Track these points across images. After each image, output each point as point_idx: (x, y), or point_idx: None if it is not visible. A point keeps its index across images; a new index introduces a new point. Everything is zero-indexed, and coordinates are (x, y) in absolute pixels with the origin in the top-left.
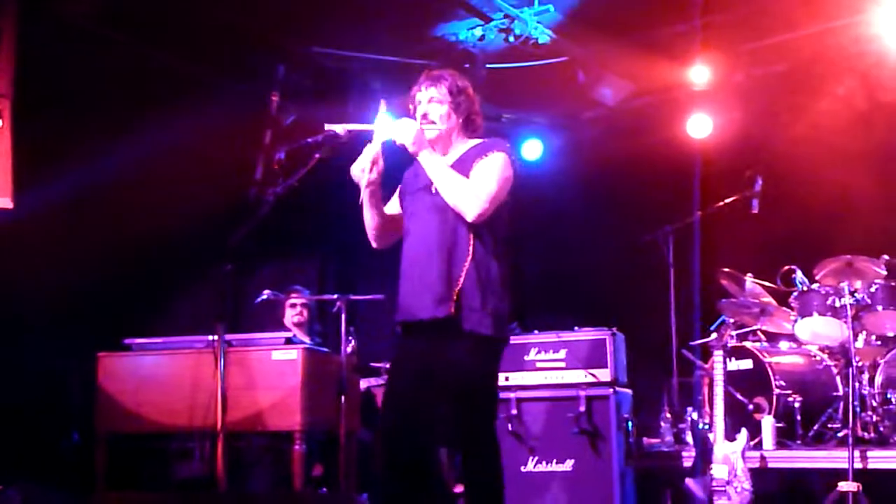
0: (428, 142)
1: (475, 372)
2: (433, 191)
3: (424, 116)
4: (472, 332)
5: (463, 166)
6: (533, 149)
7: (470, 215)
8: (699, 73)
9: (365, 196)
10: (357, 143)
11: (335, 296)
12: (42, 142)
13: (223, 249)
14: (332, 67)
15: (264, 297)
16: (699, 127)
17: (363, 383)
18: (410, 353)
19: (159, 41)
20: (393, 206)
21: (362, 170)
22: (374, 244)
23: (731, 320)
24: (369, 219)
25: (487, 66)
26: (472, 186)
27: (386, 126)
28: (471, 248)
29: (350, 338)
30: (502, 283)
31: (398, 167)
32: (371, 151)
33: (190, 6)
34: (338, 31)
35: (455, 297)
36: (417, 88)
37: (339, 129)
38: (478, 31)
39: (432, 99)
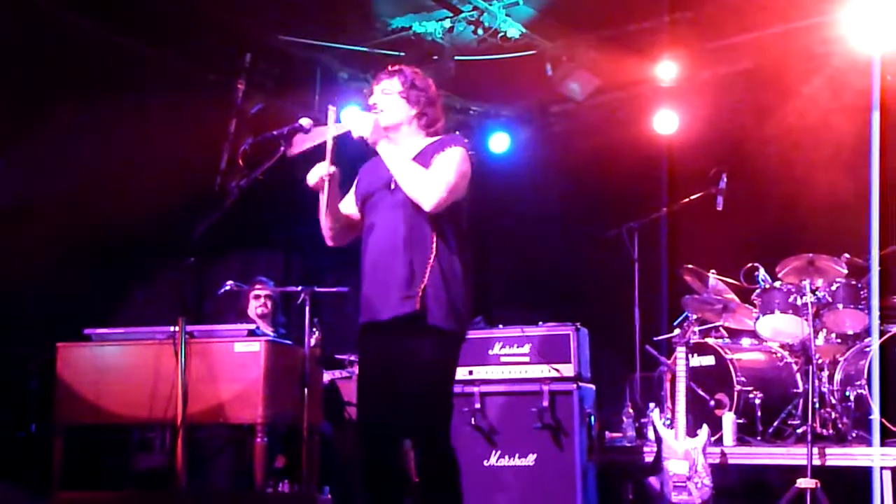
0: (384, 131)
1: (436, 366)
2: (393, 187)
3: (374, 105)
4: (435, 327)
5: (421, 160)
6: (500, 142)
7: (427, 204)
8: (666, 70)
9: (322, 202)
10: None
11: (299, 287)
12: (1, 127)
13: (186, 240)
14: (299, 56)
15: (227, 287)
16: (666, 123)
17: (327, 376)
18: (376, 351)
19: (125, 27)
20: (348, 205)
21: (320, 178)
22: (329, 243)
23: (694, 316)
24: (324, 222)
25: (456, 58)
26: (429, 176)
27: (341, 122)
28: (434, 245)
29: (314, 329)
30: (464, 279)
31: (355, 162)
32: (325, 163)
33: None
34: (305, 19)
35: (420, 294)
36: (375, 81)
37: (305, 122)
38: (447, 23)
39: (384, 90)
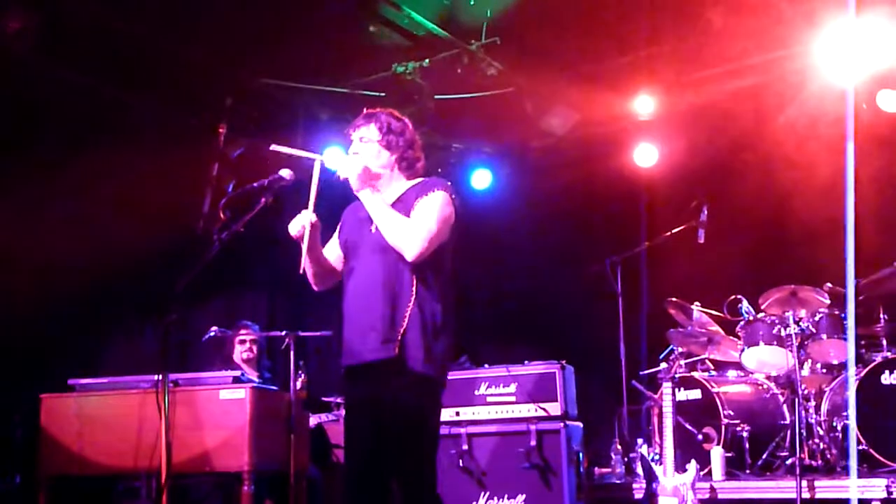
0: (371, 180)
1: (416, 411)
2: (373, 230)
3: (355, 154)
4: (415, 372)
5: (403, 206)
6: (482, 178)
7: (409, 255)
8: (644, 104)
9: (304, 249)
10: (302, 186)
11: (283, 332)
12: None
13: (168, 295)
14: (280, 98)
15: (212, 334)
16: (645, 156)
17: (313, 419)
18: (359, 398)
19: (104, 73)
20: (331, 249)
21: (301, 227)
22: (314, 287)
23: (680, 349)
24: (308, 268)
25: (436, 96)
26: (411, 226)
27: (331, 160)
28: (414, 289)
29: (300, 372)
30: (445, 323)
31: (339, 205)
32: (307, 213)
33: (136, 38)
34: (285, 62)
35: (399, 339)
36: (353, 127)
37: (286, 173)
38: (426, 63)
39: (363, 138)
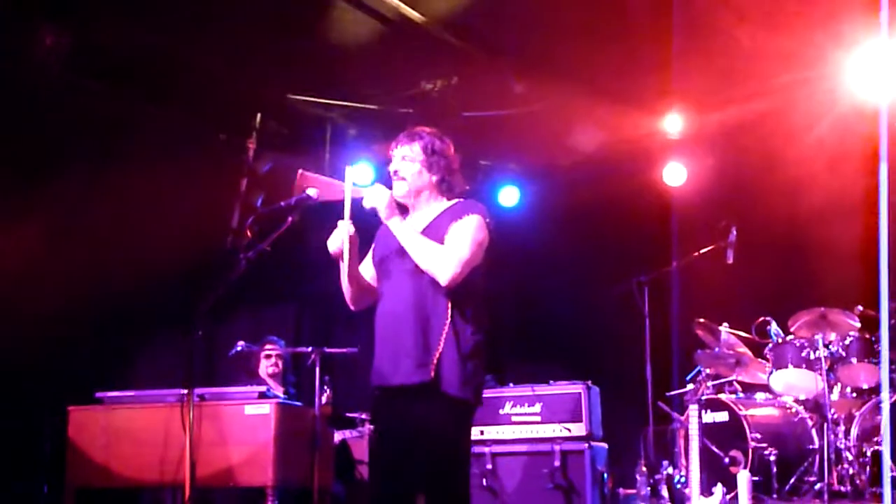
0: (398, 203)
1: (451, 436)
2: (405, 253)
3: (395, 173)
4: (449, 396)
5: (437, 228)
6: (510, 196)
7: (443, 280)
8: (673, 122)
9: (343, 268)
10: (329, 205)
11: (309, 348)
12: (13, 191)
13: (196, 305)
14: (308, 115)
15: (238, 349)
16: (674, 175)
17: (338, 436)
18: (390, 420)
19: (135, 88)
20: (367, 268)
21: (340, 242)
22: (351, 306)
23: (707, 371)
24: (346, 287)
25: (464, 113)
26: (444, 252)
27: (357, 191)
28: (449, 312)
29: (325, 387)
30: (478, 345)
31: (371, 223)
32: (345, 226)
33: (167, 53)
34: (314, 78)
35: (435, 362)
36: (394, 145)
37: (313, 192)
38: (454, 80)
39: (405, 157)
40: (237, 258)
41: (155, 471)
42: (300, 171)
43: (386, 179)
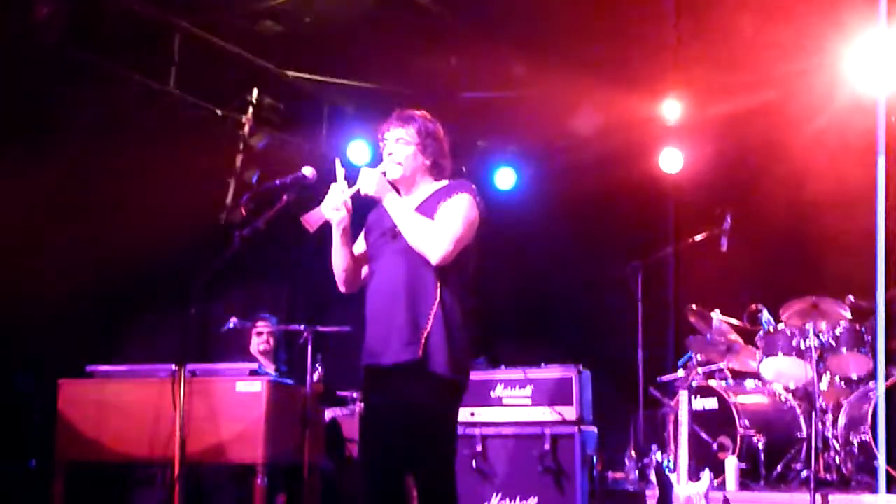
0: (391, 184)
1: (438, 414)
2: (397, 233)
3: (390, 156)
4: (437, 374)
5: (427, 208)
6: (506, 178)
7: (434, 258)
8: (671, 108)
9: (337, 235)
10: (325, 184)
11: (302, 326)
12: (11, 166)
13: (190, 282)
14: (305, 91)
15: (230, 325)
16: (671, 162)
17: (328, 413)
18: (379, 398)
19: (131, 62)
20: (360, 248)
21: (334, 209)
22: (342, 288)
23: (698, 357)
24: (339, 259)
25: (463, 94)
26: (435, 229)
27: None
28: (438, 292)
29: (317, 365)
30: (466, 326)
31: (365, 207)
32: (340, 191)
33: (164, 27)
34: (312, 55)
35: (423, 341)
36: (386, 127)
37: (308, 170)
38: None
39: (399, 139)
40: (232, 235)
41: (145, 446)
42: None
43: (378, 157)
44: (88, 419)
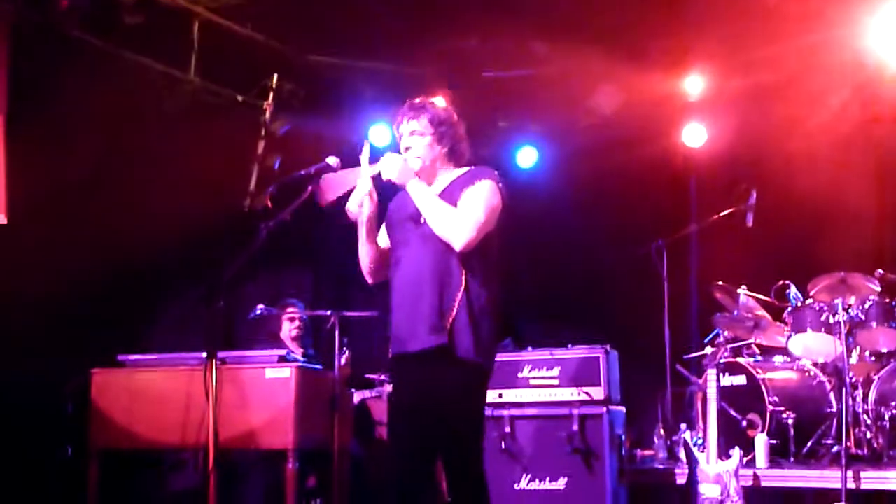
0: (414, 172)
1: (465, 399)
2: (421, 220)
3: (408, 150)
4: (464, 360)
5: (450, 195)
6: (528, 157)
7: (457, 244)
8: (693, 83)
9: (362, 231)
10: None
11: (329, 312)
12: (35, 155)
13: (217, 274)
14: (326, 76)
15: (258, 312)
16: (694, 137)
17: (356, 396)
18: (407, 383)
19: (151, 49)
20: (383, 239)
21: (359, 205)
22: (369, 279)
23: (725, 334)
24: (365, 253)
25: (484, 74)
26: (459, 215)
27: (371, 165)
28: (463, 278)
29: (344, 349)
30: (492, 311)
31: (387, 198)
32: (365, 186)
33: (184, 14)
34: (331, 38)
35: (449, 326)
36: (399, 120)
37: (332, 160)
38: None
39: (414, 132)
40: (257, 226)
41: (177, 433)
42: (321, 178)
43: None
44: (121, 408)
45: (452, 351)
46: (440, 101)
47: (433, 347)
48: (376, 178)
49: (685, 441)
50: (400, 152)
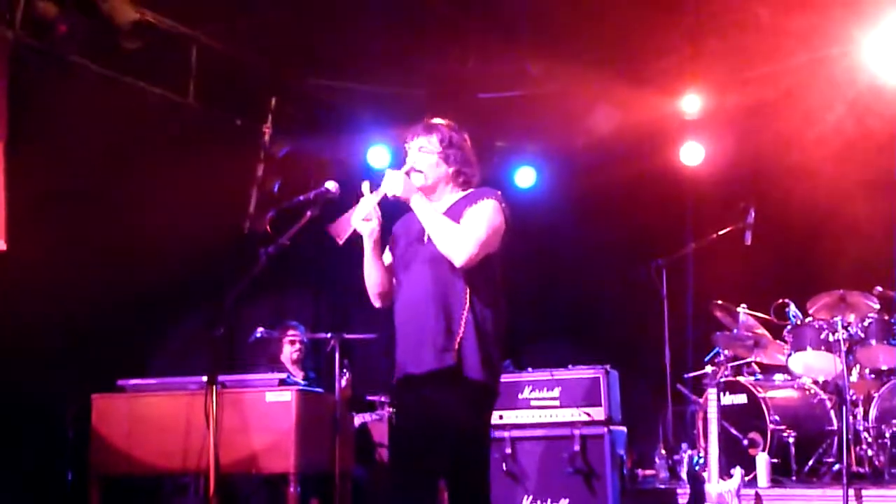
0: (416, 187)
1: (473, 421)
2: (425, 240)
3: (413, 166)
4: (471, 380)
5: (453, 214)
6: (526, 177)
7: (458, 260)
8: (690, 102)
9: (368, 246)
10: (348, 199)
11: (329, 334)
12: (36, 181)
13: (216, 290)
14: (325, 99)
15: (258, 335)
16: (692, 155)
17: (358, 419)
18: (413, 406)
19: (149, 75)
20: (388, 260)
21: (364, 219)
22: (376, 303)
23: (726, 353)
24: (372, 272)
25: (479, 95)
26: (460, 231)
27: (373, 192)
28: (467, 298)
29: (345, 371)
30: (498, 332)
31: (391, 219)
32: (369, 200)
33: (182, 38)
34: (328, 62)
35: (457, 347)
36: (411, 136)
37: (332, 185)
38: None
39: (422, 148)
40: (257, 251)
41: (178, 458)
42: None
43: (401, 164)
44: (121, 433)
45: (460, 371)
46: (454, 125)
47: (441, 369)
48: (380, 201)
49: (687, 460)
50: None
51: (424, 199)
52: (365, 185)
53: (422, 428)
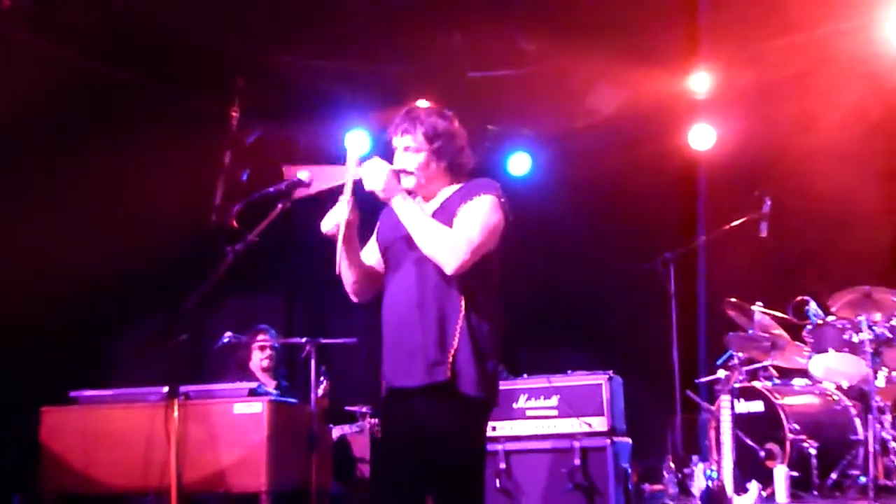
0: (402, 187)
1: (468, 438)
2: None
3: (403, 170)
4: (466, 396)
5: (447, 211)
6: (520, 164)
7: (448, 267)
8: (700, 81)
9: (341, 253)
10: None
11: (304, 339)
12: None
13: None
14: (297, 78)
15: (226, 340)
16: (702, 138)
17: (336, 431)
18: (403, 420)
19: (104, 54)
20: (370, 254)
21: (336, 224)
22: (354, 298)
23: (740, 355)
24: (347, 274)
25: (469, 73)
26: (451, 235)
27: (355, 170)
28: (462, 305)
29: (322, 378)
30: (495, 341)
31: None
32: (344, 205)
33: (139, 13)
34: (301, 36)
35: (450, 361)
36: (393, 131)
37: (304, 175)
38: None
39: (408, 148)
40: (224, 251)
41: (137, 476)
42: (283, 165)
43: (384, 153)
44: (75, 449)
45: (454, 386)
46: (438, 109)
47: (434, 384)
48: (357, 186)
49: (699, 474)
50: (391, 161)
51: (409, 200)
52: (350, 147)
53: (412, 445)
